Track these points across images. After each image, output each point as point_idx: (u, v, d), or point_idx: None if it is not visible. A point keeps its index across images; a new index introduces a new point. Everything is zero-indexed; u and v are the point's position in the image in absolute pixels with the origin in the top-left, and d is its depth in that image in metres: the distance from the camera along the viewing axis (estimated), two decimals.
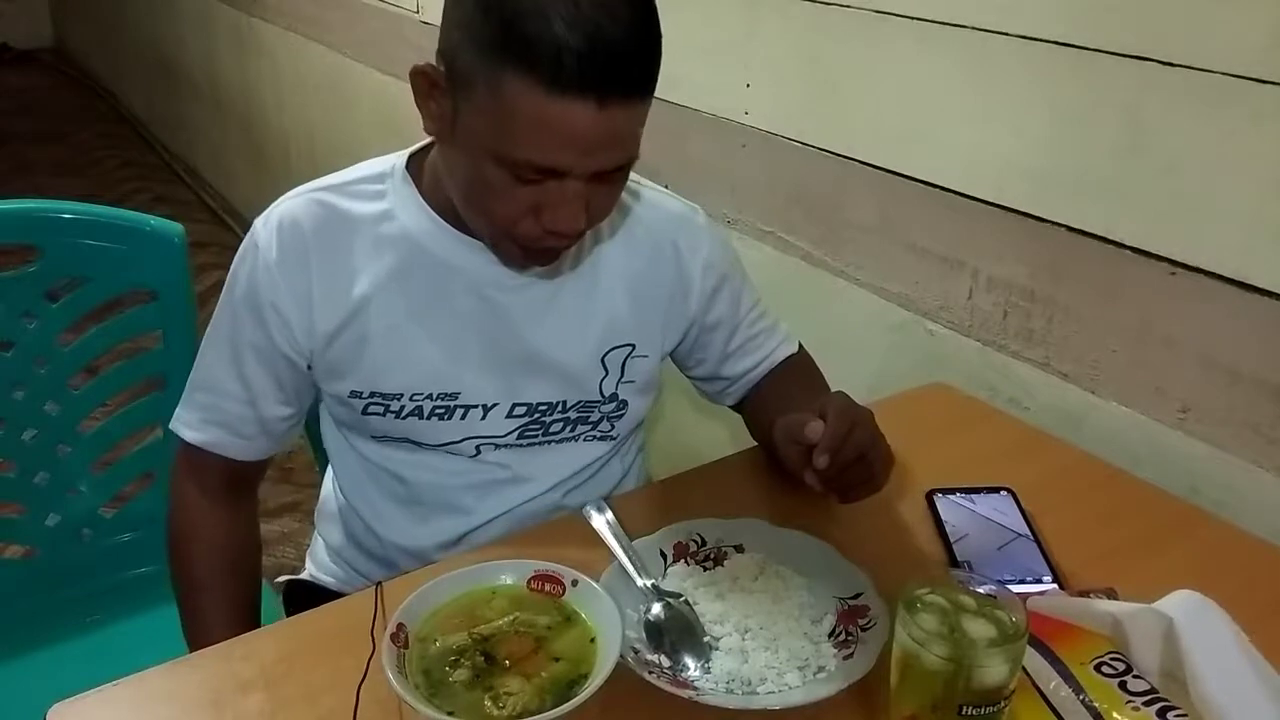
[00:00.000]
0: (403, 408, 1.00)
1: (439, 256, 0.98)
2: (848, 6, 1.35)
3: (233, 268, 0.99)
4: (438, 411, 1.01)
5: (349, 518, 1.12)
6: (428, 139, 0.97)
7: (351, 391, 1.00)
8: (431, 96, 0.87)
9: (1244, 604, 0.78)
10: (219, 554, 1.06)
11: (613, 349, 1.05)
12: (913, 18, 1.27)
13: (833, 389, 1.08)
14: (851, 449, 0.85)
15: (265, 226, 0.98)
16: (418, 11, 2.42)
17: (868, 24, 1.33)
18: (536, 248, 0.90)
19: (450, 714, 0.70)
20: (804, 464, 0.86)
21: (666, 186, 1.11)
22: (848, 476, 0.87)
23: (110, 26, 5.79)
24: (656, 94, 0.87)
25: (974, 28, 1.20)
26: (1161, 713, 0.70)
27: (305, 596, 1.17)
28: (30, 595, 1.33)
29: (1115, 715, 0.71)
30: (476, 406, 1.02)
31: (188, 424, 1.03)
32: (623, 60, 0.79)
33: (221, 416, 1.02)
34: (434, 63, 0.86)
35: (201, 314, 1.23)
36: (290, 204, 0.98)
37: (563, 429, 1.06)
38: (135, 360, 1.35)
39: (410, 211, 0.98)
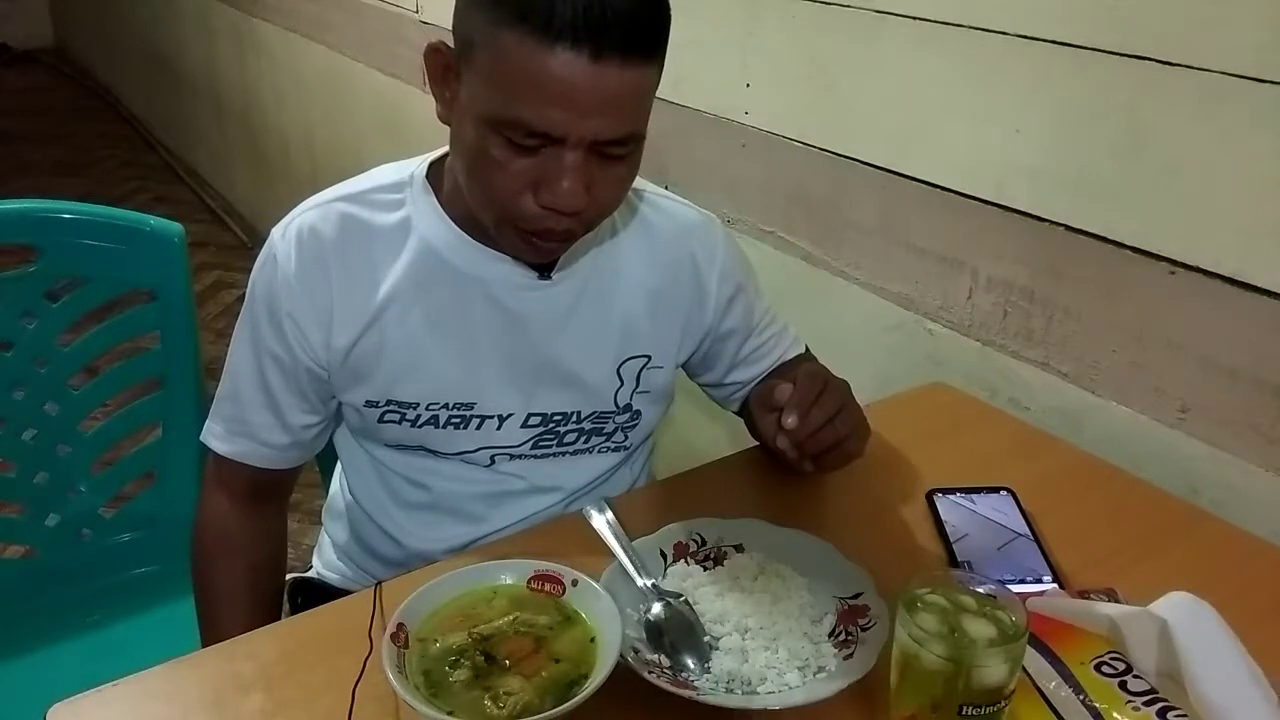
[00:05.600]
0: (419, 417, 1.00)
1: (458, 267, 0.97)
2: (848, 6, 1.35)
3: (251, 278, 0.99)
4: (453, 421, 1.01)
5: (358, 519, 1.12)
6: (442, 150, 0.97)
7: (368, 400, 1.00)
8: (445, 79, 0.87)
9: (1244, 605, 0.78)
10: (245, 571, 1.06)
11: (628, 359, 1.04)
12: (912, 17, 1.27)
13: None
14: (820, 411, 0.87)
15: (284, 238, 0.97)
16: (417, 11, 2.42)
17: (868, 24, 1.33)
18: (537, 229, 0.87)
19: (450, 714, 0.70)
20: (777, 431, 0.87)
21: (667, 187, 1.11)
22: (819, 439, 0.88)
23: (110, 26, 5.79)
24: (657, 93, 0.87)
25: (973, 27, 1.20)
26: (1162, 713, 0.70)
27: (311, 594, 1.17)
28: (30, 595, 1.33)
29: (1115, 715, 0.71)
30: (492, 417, 1.01)
31: (216, 435, 1.03)
32: (620, 14, 0.78)
33: (247, 427, 1.02)
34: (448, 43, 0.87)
35: (200, 314, 1.23)
36: (309, 215, 0.97)
37: (577, 439, 1.06)
38: (135, 360, 1.35)
39: (429, 221, 0.97)
